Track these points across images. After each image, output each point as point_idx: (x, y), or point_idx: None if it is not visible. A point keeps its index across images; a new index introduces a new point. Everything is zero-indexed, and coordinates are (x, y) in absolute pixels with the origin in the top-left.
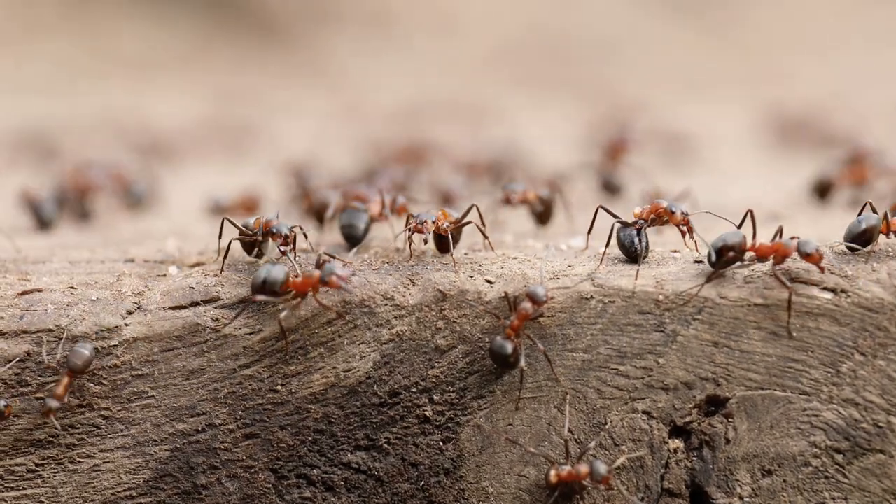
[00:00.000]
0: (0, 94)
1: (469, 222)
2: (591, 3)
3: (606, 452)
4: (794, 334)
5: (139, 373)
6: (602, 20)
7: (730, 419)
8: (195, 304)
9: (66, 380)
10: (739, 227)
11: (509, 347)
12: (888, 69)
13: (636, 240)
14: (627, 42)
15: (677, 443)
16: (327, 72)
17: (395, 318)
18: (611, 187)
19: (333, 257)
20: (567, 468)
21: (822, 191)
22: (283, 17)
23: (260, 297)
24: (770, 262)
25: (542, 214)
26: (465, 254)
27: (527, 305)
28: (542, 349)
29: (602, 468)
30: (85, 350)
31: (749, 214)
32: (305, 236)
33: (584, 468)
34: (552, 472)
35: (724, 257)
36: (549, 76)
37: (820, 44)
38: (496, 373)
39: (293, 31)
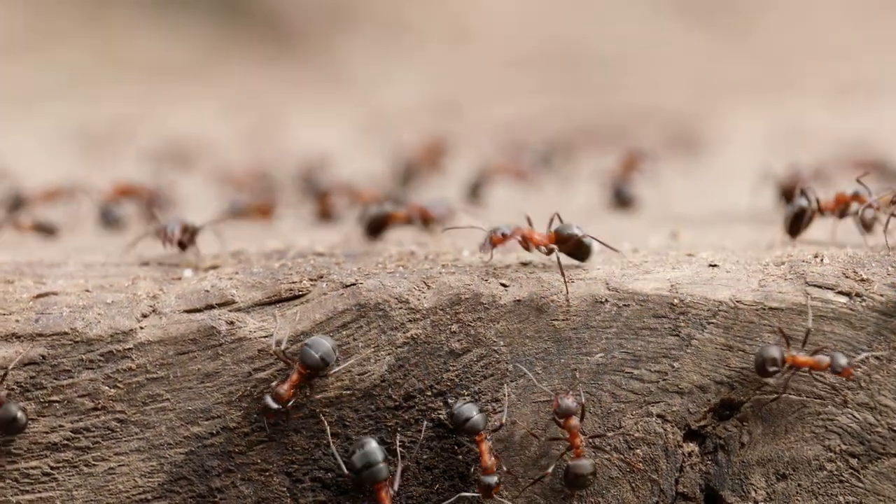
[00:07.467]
0: (16, 102)
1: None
2: (606, 10)
3: (621, 456)
4: (809, 337)
5: (154, 376)
6: (616, 27)
7: (744, 423)
8: (210, 307)
9: None
10: None
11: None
12: None
13: None
14: (642, 49)
15: (692, 446)
16: (342, 78)
17: (410, 321)
18: (623, 199)
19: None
20: None
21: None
22: (297, 24)
23: None
24: None
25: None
26: (480, 257)
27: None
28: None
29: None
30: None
31: None
32: None
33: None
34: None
35: None
36: (563, 83)
37: (834, 49)
38: (512, 376)
39: (308, 38)
